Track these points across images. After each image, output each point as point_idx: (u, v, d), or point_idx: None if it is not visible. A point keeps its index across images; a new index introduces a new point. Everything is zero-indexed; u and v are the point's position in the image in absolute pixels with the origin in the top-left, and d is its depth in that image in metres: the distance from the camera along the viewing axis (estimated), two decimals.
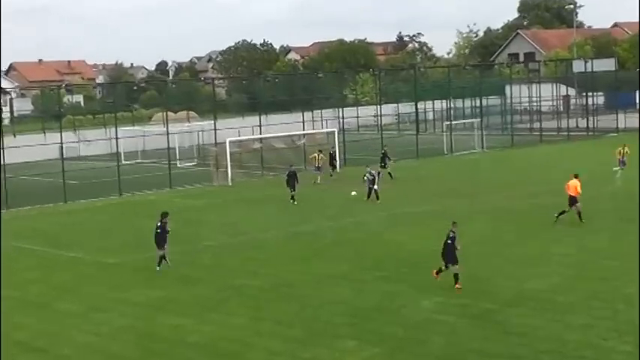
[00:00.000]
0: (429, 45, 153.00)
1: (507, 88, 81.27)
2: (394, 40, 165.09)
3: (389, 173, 47.69)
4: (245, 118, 78.61)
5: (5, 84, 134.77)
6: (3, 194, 44.79)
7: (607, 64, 79.57)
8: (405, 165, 54.10)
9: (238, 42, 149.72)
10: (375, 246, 30.67)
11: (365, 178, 40.86)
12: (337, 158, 52.61)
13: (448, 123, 66.17)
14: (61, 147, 51.35)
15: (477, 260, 26.43)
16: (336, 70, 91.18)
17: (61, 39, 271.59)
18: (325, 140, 57.31)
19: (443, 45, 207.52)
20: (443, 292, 23.65)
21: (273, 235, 33.74)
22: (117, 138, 52.85)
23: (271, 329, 21.46)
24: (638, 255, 26.37)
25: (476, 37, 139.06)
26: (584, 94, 78.42)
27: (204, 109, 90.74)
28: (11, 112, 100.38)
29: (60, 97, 76.54)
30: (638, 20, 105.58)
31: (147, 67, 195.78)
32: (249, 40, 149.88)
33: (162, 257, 28.17)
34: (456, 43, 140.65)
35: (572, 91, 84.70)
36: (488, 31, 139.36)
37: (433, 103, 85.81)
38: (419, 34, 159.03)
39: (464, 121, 72.84)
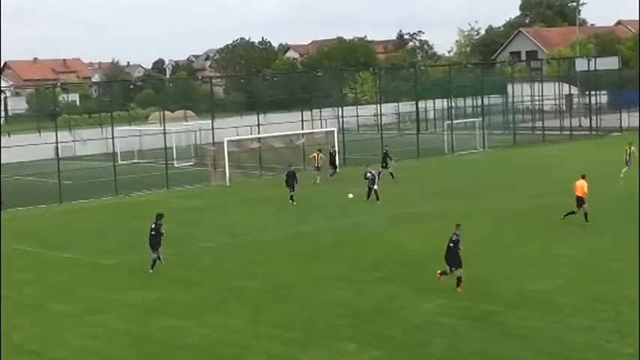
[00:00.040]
0: (430, 43, 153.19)
1: (509, 87, 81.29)
2: (394, 38, 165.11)
3: (390, 173, 47.72)
4: (243, 118, 78.73)
5: None
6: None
7: (610, 63, 79.44)
8: (405, 165, 54.09)
9: (236, 40, 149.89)
10: (375, 247, 30.68)
11: (367, 176, 40.72)
12: (337, 158, 52.55)
13: (449, 122, 66.19)
14: (57, 146, 51.32)
15: (478, 261, 26.42)
16: (336, 69, 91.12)
17: (57, 37, 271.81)
18: (324, 140, 57.29)
19: (444, 43, 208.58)
20: (444, 294, 23.66)
21: (271, 236, 33.74)
22: (113, 137, 52.83)
23: (270, 331, 21.46)
24: (638, 256, 26.39)
25: (477, 35, 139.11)
26: (587, 92, 78.46)
27: (202, 108, 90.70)
28: (5, 111, 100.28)
29: (55, 95, 76.35)
30: (638, 19, 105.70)
31: (143, 66, 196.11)
32: (247, 39, 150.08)
33: (156, 260, 28.04)
34: (457, 41, 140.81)
35: (574, 90, 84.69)
36: (489, 29, 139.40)
37: (434, 102, 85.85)
38: (419, 32, 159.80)
39: (465, 120, 72.84)
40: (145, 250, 28.93)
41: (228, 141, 51.52)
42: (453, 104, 78.78)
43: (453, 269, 23.96)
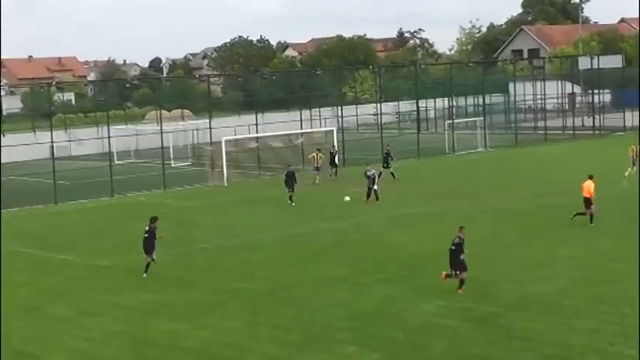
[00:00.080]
0: (431, 41, 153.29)
1: (511, 86, 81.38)
2: (394, 36, 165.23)
3: (391, 173, 47.75)
4: (241, 117, 78.66)
5: None
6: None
7: (614, 61, 79.56)
8: (405, 165, 54.10)
9: (234, 38, 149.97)
10: (375, 248, 30.70)
11: (367, 175, 40.62)
12: (336, 158, 52.52)
13: (450, 121, 66.19)
14: (52, 146, 51.31)
15: (479, 262, 26.41)
16: (335, 67, 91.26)
17: (52, 35, 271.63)
18: (324, 139, 57.31)
19: (445, 41, 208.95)
20: (444, 296, 23.66)
21: (270, 237, 33.74)
22: (109, 137, 52.80)
23: (268, 334, 21.46)
24: (638, 256, 26.41)
25: (478, 32, 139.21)
26: (590, 91, 78.40)
27: (199, 107, 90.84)
28: (0, 110, 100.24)
29: (50, 94, 76.53)
30: (638, 19, 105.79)
31: (140, 64, 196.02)
32: (245, 37, 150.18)
33: (150, 263, 27.85)
34: (458, 39, 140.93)
35: (577, 89, 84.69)
36: (491, 26, 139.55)
37: (435, 101, 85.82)
38: (420, 29, 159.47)
39: (466, 119, 72.87)
40: (141, 252, 28.83)
41: (226, 140, 51.52)
42: (454, 103, 78.64)
43: (457, 273, 23.89)
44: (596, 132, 71.92)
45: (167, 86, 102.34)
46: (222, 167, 50.40)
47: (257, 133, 58.02)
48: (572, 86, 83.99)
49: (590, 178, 32.85)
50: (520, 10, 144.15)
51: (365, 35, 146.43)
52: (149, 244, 27.81)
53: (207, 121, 57.37)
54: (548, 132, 69.05)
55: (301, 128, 60.36)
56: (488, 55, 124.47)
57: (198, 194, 47.58)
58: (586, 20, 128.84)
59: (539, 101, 75.77)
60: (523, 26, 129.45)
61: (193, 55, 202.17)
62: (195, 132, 68.08)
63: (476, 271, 25.15)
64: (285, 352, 20.10)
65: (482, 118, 67.30)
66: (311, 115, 70.58)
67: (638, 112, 72.20)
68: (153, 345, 21.17)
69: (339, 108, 66.86)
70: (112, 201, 46.76)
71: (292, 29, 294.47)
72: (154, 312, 23.93)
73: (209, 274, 28.28)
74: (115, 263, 30.34)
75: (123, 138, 65.55)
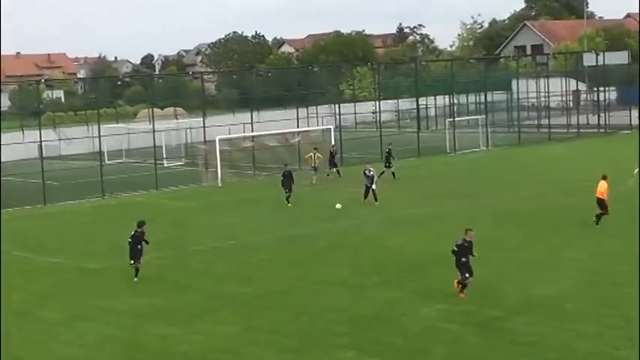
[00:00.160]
0: (431, 37, 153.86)
1: (514, 83, 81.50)
2: (394, 31, 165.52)
3: (392, 173, 47.86)
4: (236, 115, 78.74)
5: None
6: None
7: (619, 57, 79.68)
8: (405, 164, 54.16)
9: (229, 34, 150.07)
10: (374, 249, 30.79)
11: (367, 174, 40.61)
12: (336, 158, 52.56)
13: (451, 120, 66.29)
14: (40, 145, 51.37)
15: (481, 264, 26.45)
16: (333, 64, 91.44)
17: (41, 31, 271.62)
18: (321, 138, 57.39)
19: (445, 37, 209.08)
20: (445, 299, 23.74)
21: (266, 239, 33.82)
22: (100, 136, 52.82)
23: (265, 338, 21.54)
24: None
25: (480, 28, 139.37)
26: (596, 88, 78.56)
27: (193, 105, 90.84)
28: None
29: (39, 92, 76.48)
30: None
31: (131, 61, 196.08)
32: (240, 32, 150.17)
33: (139, 268, 27.75)
34: (459, 35, 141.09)
35: (582, 86, 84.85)
36: (493, 22, 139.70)
37: (435, 99, 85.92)
38: (420, 25, 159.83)
39: (468, 117, 73.00)
40: None
41: (221, 139, 51.56)
42: (455, 101, 78.72)
43: (467, 275, 23.83)
44: (602, 130, 72.03)
45: (159, 84, 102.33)
46: (216, 167, 50.45)
47: (252, 131, 58.03)
48: (577, 83, 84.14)
49: (604, 178, 32.83)
50: (523, 5, 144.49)
51: (363, 31, 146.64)
52: (136, 251, 27.62)
53: (201, 119, 57.45)
54: (552, 130, 69.15)
55: (298, 127, 60.49)
56: (490, 51, 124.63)
57: (191, 195, 47.66)
58: (591, 15, 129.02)
59: (543, 99, 75.89)
60: (526, 21, 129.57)
61: (186, 51, 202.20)
62: (188, 131, 68.14)
63: (478, 273, 25.21)
64: (282, 357, 20.18)
65: (484, 116, 67.43)
66: (308, 114, 70.76)
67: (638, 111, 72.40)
68: (146, 350, 21.24)
69: (337, 106, 66.88)
70: (103, 202, 46.83)
71: (288, 25, 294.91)
72: (147, 316, 24.01)
73: (204, 277, 28.35)
74: (107, 266, 30.39)
75: (114, 137, 65.63)
